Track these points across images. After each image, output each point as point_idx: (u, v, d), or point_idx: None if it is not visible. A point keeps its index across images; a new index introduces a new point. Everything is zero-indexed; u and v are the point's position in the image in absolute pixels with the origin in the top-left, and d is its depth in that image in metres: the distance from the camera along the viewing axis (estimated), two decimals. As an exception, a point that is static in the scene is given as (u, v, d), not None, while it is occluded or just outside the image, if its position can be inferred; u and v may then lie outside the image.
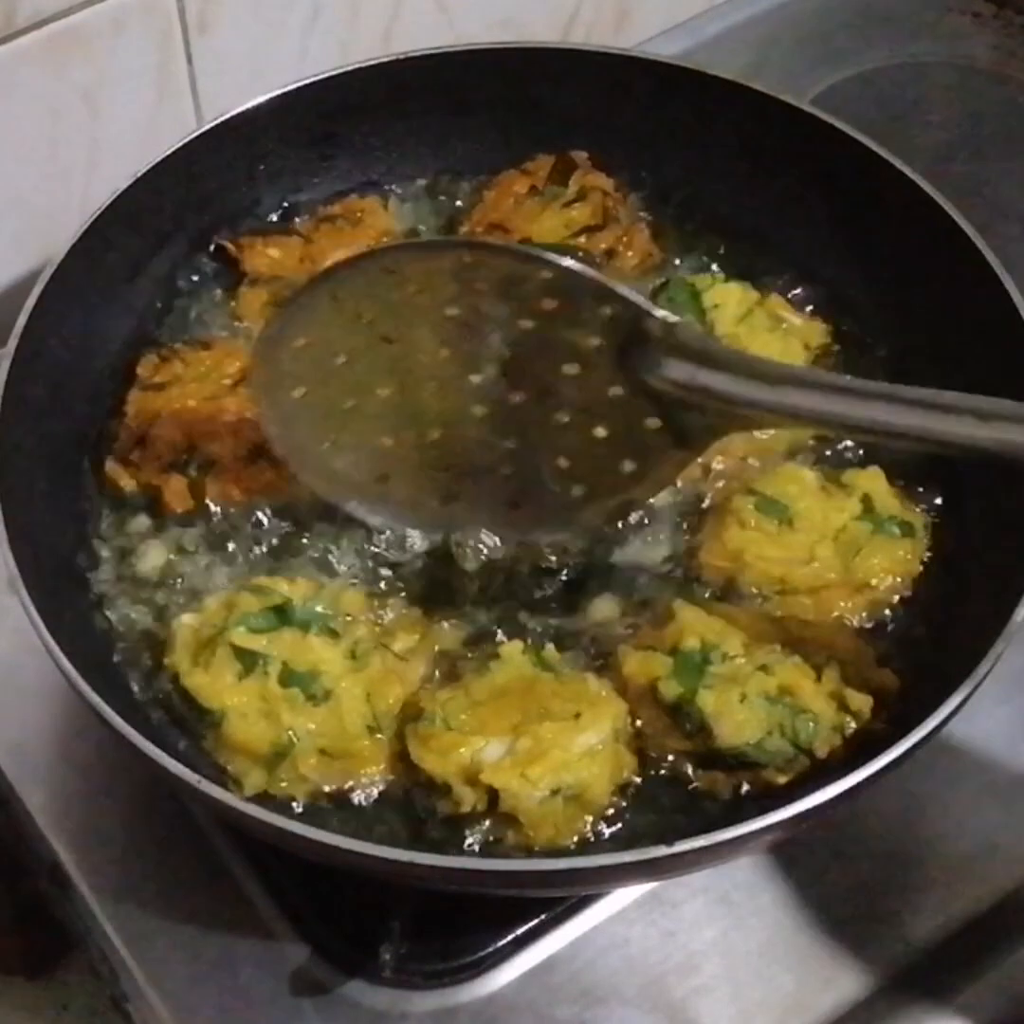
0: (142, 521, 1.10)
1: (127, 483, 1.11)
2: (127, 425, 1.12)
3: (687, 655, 0.98)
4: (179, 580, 1.07)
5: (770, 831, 0.87)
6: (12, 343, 1.05)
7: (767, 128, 1.23)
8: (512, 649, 1.00)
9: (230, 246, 1.23)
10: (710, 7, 1.65)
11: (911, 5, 1.67)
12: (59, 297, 1.09)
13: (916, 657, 1.03)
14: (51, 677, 0.94)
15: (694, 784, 0.98)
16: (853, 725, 0.97)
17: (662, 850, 0.86)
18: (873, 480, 1.08)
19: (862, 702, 0.98)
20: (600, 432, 1.00)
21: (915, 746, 0.89)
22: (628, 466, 1.01)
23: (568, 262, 0.94)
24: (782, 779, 0.96)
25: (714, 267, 1.24)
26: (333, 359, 1.00)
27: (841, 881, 1.08)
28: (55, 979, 1.66)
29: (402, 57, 1.24)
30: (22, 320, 1.06)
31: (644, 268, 1.24)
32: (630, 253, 1.23)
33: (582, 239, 1.22)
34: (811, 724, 0.96)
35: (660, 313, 0.94)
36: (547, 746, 0.95)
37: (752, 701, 0.96)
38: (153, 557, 1.09)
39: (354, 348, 1.00)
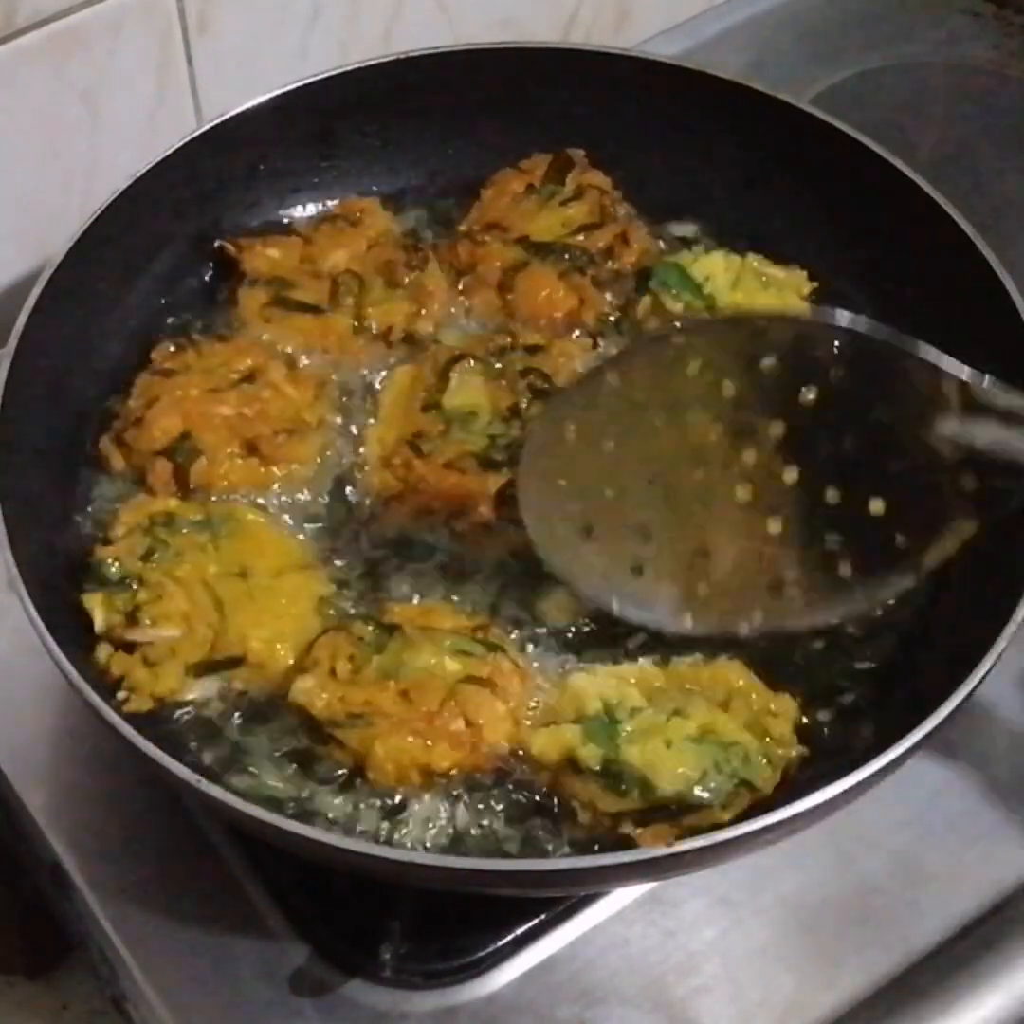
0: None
1: (117, 461, 1.11)
2: (128, 405, 1.13)
3: (595, 718, 0.96)
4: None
5: (770, 831, 0.87)
6: (12, 343, 1.05)
7: (767, 128, 1.23)
8: None
9: (229, 246, 1.23)
10: (710, 7, 1.65)
11: (911, 5, 1.67)
12: (59, 297, 1.09)
13: (918, 655, 1.03)
14: (51, 677, 0.94)
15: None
16: (779, 751, 0.96)
17: (662, 850, 0.86)
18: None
19: (782, 726, 0.97)
20: (877, 507, 0.92)
21: (917, 745, 0.90)
22: (903, 540, 0.93)
23: (862, 326, 0.90)
24: (727, 815, 0.94)
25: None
26: (600, 445, 0.97)
27: (841, 881, 1.08)
28: (55, 979, 1.65)
29: (402, 57, 1.25)
30: (22, 320, 1.06)
31: (640, 266, 1.24)
32: (628, 251, 1.23)
33: (580, 237, 1.22)
34: (742, 754, 0.95)
35: (966, 373, 0.87)
36: None
37: (679, 745, 0.94)
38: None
39: (622, 433, 0.96)
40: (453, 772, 0.96)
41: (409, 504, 1.09)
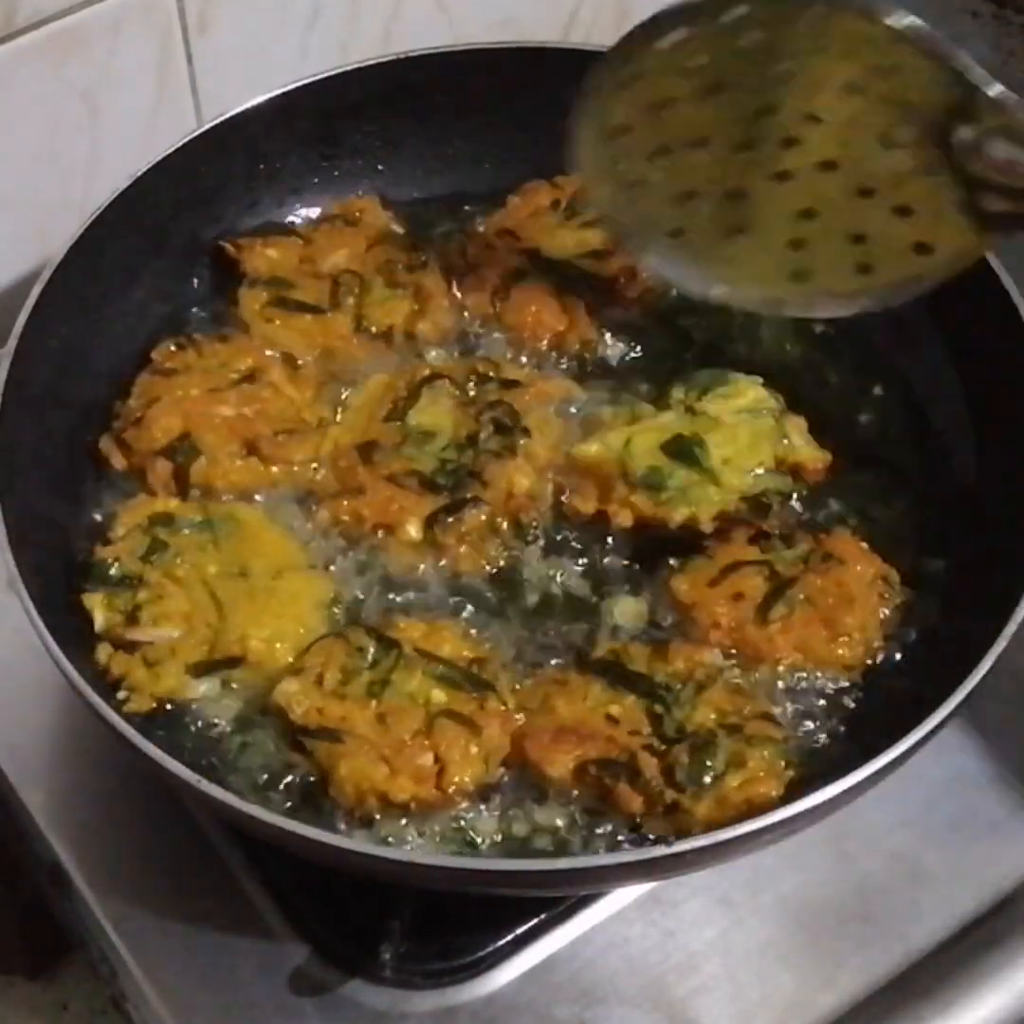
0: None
1: (117, 460, 1.12)
2: (128, 405, 1.13)
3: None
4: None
5: (770, 831, 0.87)
6: (12, 343, 1.05)
7: (767, 128, 1.23)
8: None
9: (229, 247, 1.23)
10: (710, 7, 1.64)
11: (911, 5, 1.66)
12: (59, 297, 1.09)
13: (917, 658, 1.03)
14: (51, 677, 0.94)
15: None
16: None
17: (662, 850, 0.86)
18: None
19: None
20: (898, 206, 1.00)
21: (915, 746, 0.90)
22: (922, 240, 1.01)
23: (907, 22, 0.96)
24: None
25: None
26: (655, 106, 1.02)
27: (841, 881, 1.08)
28: (55, 979, 1.65)
29: (402, 57, 1.25)
30: (22, 320, 1.06)
31: (645, 302, 1.21)
32: (633, 285, 1.21)
33: (589, 261, 1.21)
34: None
35: (996, 89, 0.93)
36: None
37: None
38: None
39: (676, 97, 1.01)
40: (411, 805, 0.96)
41: (342, 506, 1.08)
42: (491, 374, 1.15)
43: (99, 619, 1.02)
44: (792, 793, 0.93)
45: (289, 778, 0.98)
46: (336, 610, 1.05)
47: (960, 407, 1.14)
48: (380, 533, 1.08)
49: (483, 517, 1.08)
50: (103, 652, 1.01)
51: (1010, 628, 0.94)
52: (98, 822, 1.10)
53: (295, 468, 1.12)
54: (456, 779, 0.96)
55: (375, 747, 0.95)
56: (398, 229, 1.27)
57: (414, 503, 1.08)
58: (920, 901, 1.07)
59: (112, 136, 1.30)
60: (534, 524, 1.09)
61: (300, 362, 1.17)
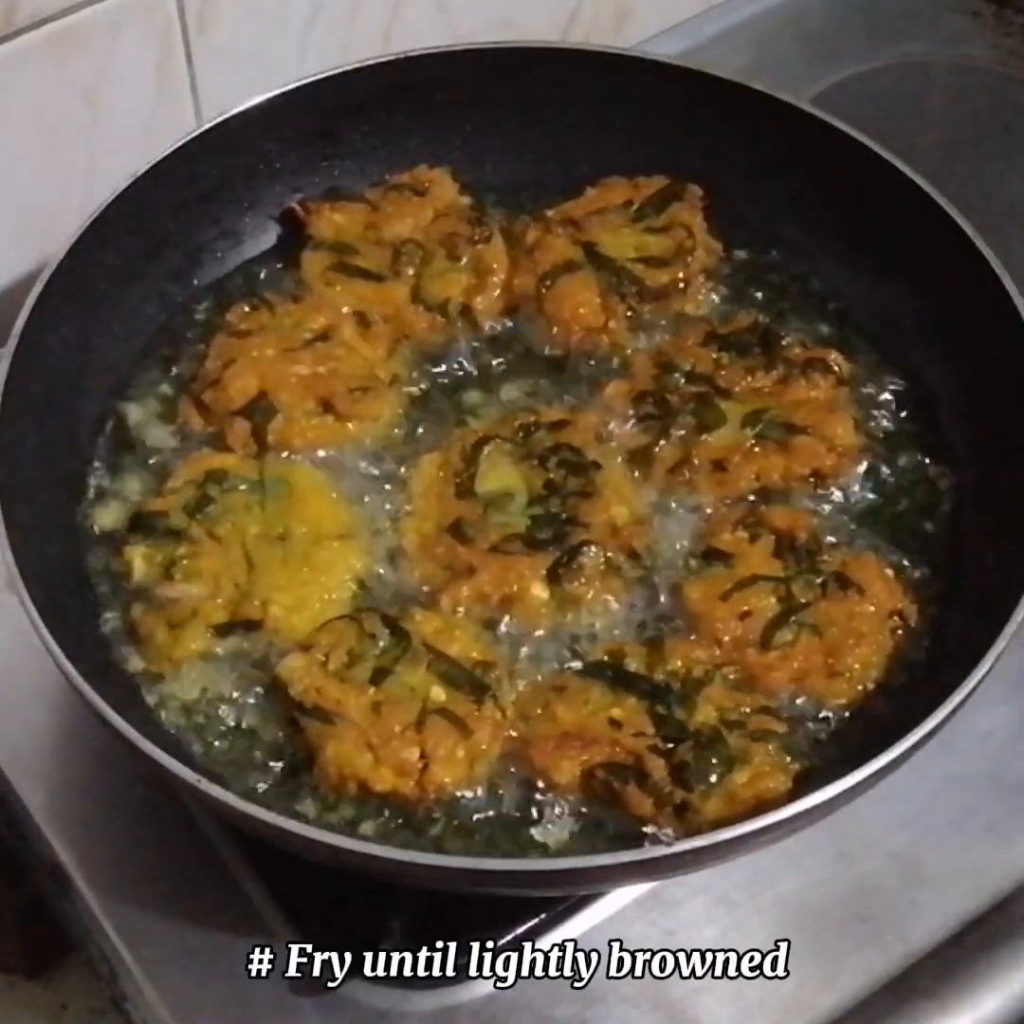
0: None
1: (196, 422, 1.13)
2: (205, 367, 1.15)
3: None
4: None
5: (769, 831, 0.87)
6: (12, 343, 1.06)
7: (767, 128, 1.23)
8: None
9: (298, 209, 1.24)
10: (710, 7, 1.65)
11: (911, 5, 1.67)
12: (59, 297, 1.09)
13: (917, 657, 1.03)
14: (51, 677, 0.94)
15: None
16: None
17: (662, 850, 0.86)
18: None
19: None
20: None
21: (915, 745, 0.90)
22: None
23: None
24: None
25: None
26: None
27: (842, 881, 1.08)
28: (55, 979, 1.65)
29: (402, 57, 1.25)
30: (22, 320, 1.07)
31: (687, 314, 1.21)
32: (678, 299, 1.21)
33: (641, 267, 1.21)
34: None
35: None
36: None
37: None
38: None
39: None
40: (389, 796, 0.96)
41: (462, 591, 1.05)
42: (533, 421, 1.13)
43: (138, 570, 1.04)
44: (796, 789, 0.92)
45: (280, 760, 0.99)
46: (366, 583, 1.05)
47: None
48: (507, 602, 1.05)
49: (602, 558, 1.06)
50: (137, 609, 1.03)
51: (1010, 628, 0.94)
52: (98, 822, 1.10)
53: (370, 424, 1.13)
54: (437, 779, 0.96)
55: (364, 734, 0.96)
56: (466, 201, 1.27)
57: (529, 565, 1.06)
58: (920, 901, 1.07)
59: (112, 136, 1.30)
60: (649, 550, 1.08)
61: (371, 320, 1.18)
